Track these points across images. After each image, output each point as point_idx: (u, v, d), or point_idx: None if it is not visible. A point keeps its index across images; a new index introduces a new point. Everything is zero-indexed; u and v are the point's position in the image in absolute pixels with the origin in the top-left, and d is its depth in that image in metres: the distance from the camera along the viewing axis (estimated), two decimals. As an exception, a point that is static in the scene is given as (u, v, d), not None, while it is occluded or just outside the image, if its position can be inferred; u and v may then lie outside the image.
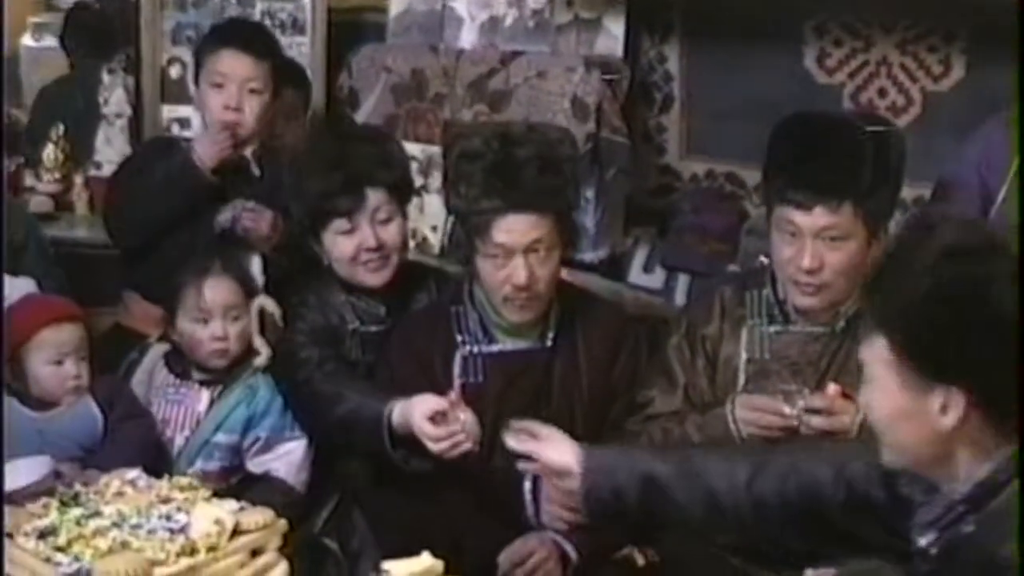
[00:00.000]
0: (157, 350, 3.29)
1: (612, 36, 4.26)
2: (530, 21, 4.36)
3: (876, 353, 2.03)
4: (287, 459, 3.21)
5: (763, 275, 3.11)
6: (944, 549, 2.08)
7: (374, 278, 3.28)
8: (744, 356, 3.03)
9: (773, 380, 2.97)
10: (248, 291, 3.27)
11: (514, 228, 2.99)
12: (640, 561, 3.00)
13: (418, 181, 4.21)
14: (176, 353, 3.26)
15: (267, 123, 3.67)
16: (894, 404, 2.03)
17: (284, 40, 4.45)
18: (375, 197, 3.24)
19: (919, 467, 2.08)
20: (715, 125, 4.32)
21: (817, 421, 2.82)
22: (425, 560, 2.23)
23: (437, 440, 2.90)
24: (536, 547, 2.99)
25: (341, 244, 3.26)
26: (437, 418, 2.90)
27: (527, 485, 3.00)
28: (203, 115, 3.72)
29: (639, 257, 4.23)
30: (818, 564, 2.95)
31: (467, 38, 4.47)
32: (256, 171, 3.63)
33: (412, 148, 4.25)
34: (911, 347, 1.98)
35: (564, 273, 3.74)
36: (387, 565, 2.22)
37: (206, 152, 3.52)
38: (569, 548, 2.99)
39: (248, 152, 3.63)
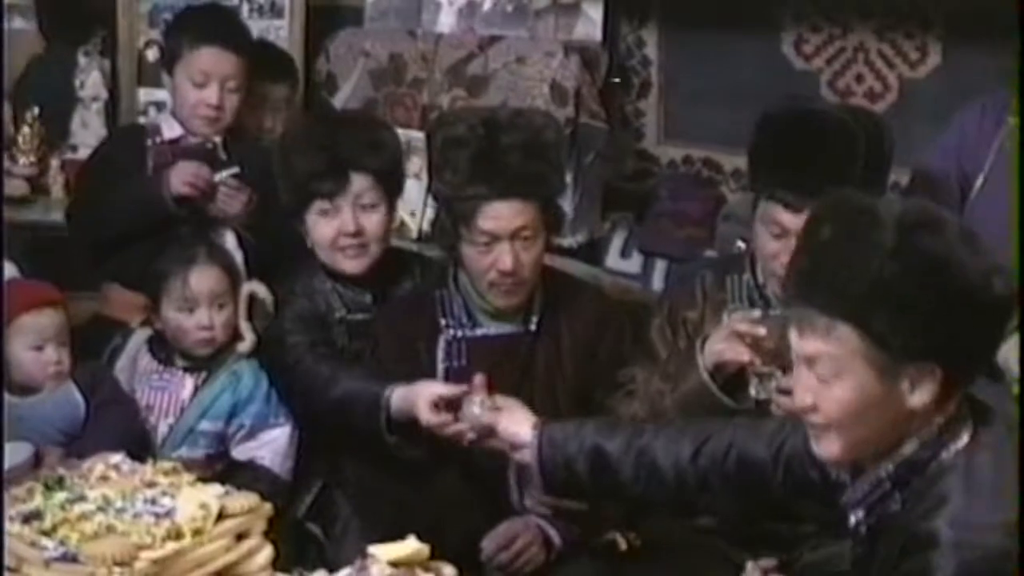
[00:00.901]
0: (140, 336, 3.29)
1: (591, 21, 4.26)
2: (508, 6, 4.36)
3: (843, 345, 2.01)
4: (272, 447, 3.21)
5: (743, 260, 3.13)
6: (873, 527, 2.11)
7: (352, 265, 3.27)
8: None
9: (751, 362, 2.98)
10: (233, 279, 3.26)
11: (500, 215, 3.00)
12: (623, 546, 3.02)
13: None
14: (159, 339, 3.25)
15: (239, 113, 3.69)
16: (866, 393, 2.02)
17: (262, 24, 4.48)
18: (360, 182, 3.23)
19: (873, 456, 2.09)
20: (693, 110, 4.34)
21: (786, 401, 2.84)
22: (411, 544, 2.23)
23: (441, 427, 2.90)
24: (520, 531, 3.00)
25: (321, 226, 3.25)
26: (441, 404, 2.91)
27: (512, 470, 3.00)
28: (175, 103, 3.71)
29: (616, 242, 4.24)
30: (799, 548, 2.98)
31: (445, 22, 4.46)
32: (223, 156, 3.63)
33: (391, 133, 4.27)
34: (884, 330, 1.98)
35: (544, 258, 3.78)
36: (373, 549, 2.22)
37: (179, 183, 3.49)
38: (553, 533, 3.01)
39: (217, 138, 3.63)
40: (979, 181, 3.22)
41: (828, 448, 2.11)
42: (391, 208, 3.33)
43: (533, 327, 3.15)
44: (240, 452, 3.21)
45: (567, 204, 4.10)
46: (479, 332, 3.15)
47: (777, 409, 2.85)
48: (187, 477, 2.45)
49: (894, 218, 1.99)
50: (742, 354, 2.85)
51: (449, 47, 4.33)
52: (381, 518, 3.01)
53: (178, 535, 2.26)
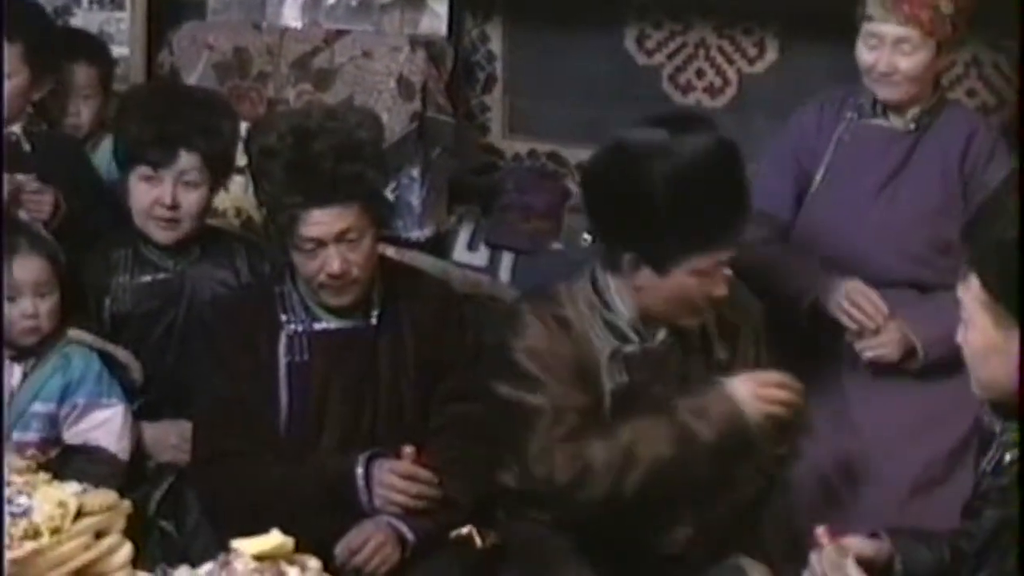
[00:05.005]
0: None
1: (436, 15, 4.29)
2: (353, 0, 4.36)
3: (971, 292, 2.11)
4: (106, 427, 3.18)
5: None
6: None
7: (162, 235, 3.34)
8: None
9: None
10: (56, 267, 3.22)
11: (320, 221, 2.98)
12: (479, 542, 3.02)
13: (243, 160, 4.20)
14: (-18, 332, 3.20)
15: (24, 103, 3.61)
16: (985, 340, 2.12)
17: (102, 16, 4.43)
18: (186, 160, 3.29)
19: (1005, 399, 2.17)
20: (537, 104, 4.39)
21: None
22: (275, 537, 2.22)
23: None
24: (372, 533, 2.97)
25: (141, 191, 3.32)
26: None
27: (359, 470, 3.00)
28: None
29: (463, 235, 4.27)
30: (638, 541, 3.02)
31: (289, 16, 4.44)
32: (27, 146, 3.57)
33: (236, 126, 4.25)
34: (1000, 287, 2.06)
35: (392, 251, 3.79)
36: (237, 543, 2.21)
37: None
38: (405, 530, 2.98)
39: (17, 128, 3.56)
40: (818, 176, 3.33)
41: None
42: (213, 189, 3.39)
43: (374, 320, 3.14)
44: (72, 436, 3.18)
45: (414, 198, 4.15)
46: (319, 327, 3.13)
47: None
48: (43, 476, 2.41)
49: None
50: None
51: (294, 41, 4.31)
52: (230, 519, 2.98)
53: (36, 534, 2.22)
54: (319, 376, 3.10)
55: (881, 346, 3.20)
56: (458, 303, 3.31)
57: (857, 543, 2.34)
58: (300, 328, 3.11)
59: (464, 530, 3.03)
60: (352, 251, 3.01)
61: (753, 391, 2.82)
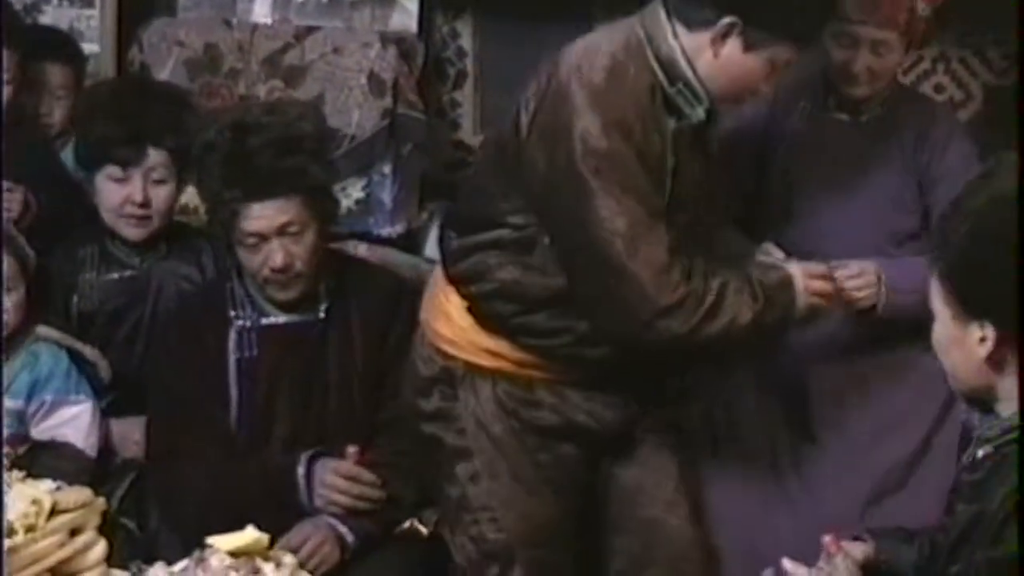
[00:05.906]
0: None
1: (406, 12, 4.31)
2: (323, -4, 4.38)
3: (935, 286, 2.14)
4: (74, 424, 3.19)
5: None
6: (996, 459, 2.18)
7: (133, 232, 3.35)
8: None
9: None
10: (21, 262, 3.21)
11: (261, 216, 2.99)
12: (425, 532, 3.05)
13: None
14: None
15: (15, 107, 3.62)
16: (946, 333, 2.14)
17: (72, 13, 4.41)
18: (155, 157, 3.31)
19: (970, 392, 2.20)
20: (508, 100, 4.37)
21: None
22: (250, 534, 2.24)
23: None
24: (311, 533, 2.96)
25: (110, 191, 3.33)
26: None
27: (300, 470, 3.01)
28: None
29: (434, 231, 4.27)
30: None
31: (260, 12, 4.45)
32: (2, 147, 3.56)
33: (207, 124, 4.24)
34: (954, 282, 2.10)
35: (364, 248, 3.80)
36: (212, 539, 2.22)
37: None
38: (345, 531, 2.99)
39: None
40: (771, 170, 3.32)
41: None
42: (180, 184, 3.40)
43: (322, 314, 3.14)
44: (40, 432, 3.18)
45: (386, 194, 4.17)
46: (267, 322, 3.13)
47: None
48: (17, 473, 2.42)
49: (991, 185, 2.10)
50: None
51: (265, 37, 4.32)
52: (183, 518, 3.02)
53: (10, 532, 2.23)
54: (268, 371, 3.11)
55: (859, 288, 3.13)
56: (409, 296, 3.27)
57: (858, 548, 2.37)
58: (248, 323, 3.12)
59: (406, 525, 3.06)
60: (295, 244, 3.02)
61: (805, 281, 2.74)
